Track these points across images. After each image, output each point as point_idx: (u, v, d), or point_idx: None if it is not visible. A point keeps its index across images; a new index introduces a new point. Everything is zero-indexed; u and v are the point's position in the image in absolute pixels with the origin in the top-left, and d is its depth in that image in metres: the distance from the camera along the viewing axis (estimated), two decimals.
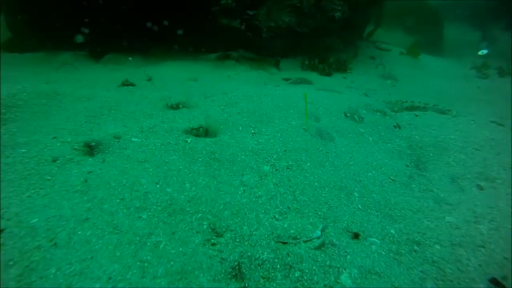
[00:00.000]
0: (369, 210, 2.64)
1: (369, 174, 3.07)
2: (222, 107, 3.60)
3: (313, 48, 6.16)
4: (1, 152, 2.73)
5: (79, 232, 2.03)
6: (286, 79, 5.36)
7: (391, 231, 2.47)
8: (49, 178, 2.52)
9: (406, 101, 4.93)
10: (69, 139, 2.96)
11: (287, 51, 6.00)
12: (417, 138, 4.01)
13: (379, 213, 2.64)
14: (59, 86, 3.66)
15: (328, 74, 5.93)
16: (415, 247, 2.34)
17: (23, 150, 2.80)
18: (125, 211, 2.20)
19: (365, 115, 4.23)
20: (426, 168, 3.59)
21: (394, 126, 4.25)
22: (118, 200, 2.27)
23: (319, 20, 6.01)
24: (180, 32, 5.73)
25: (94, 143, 2.84)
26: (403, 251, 2.30)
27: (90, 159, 2.76)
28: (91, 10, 5.47)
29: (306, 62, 5.97)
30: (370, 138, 3.82)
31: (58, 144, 2.90)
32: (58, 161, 2.70)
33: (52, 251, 1.90)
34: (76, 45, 5.49)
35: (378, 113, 4.46)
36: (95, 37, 5.66)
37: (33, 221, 2.09)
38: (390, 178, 3.11)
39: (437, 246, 2.37)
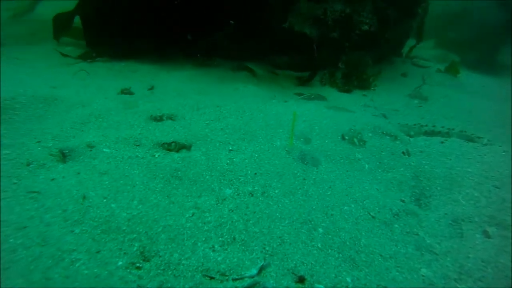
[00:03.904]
0: (329, 251, 2.36)
1: (345, 207, 2.77)
2: (207, 122, 3.52)
3: (336, 63, 5.84)
4: None
5: (11, 240, 2.06)
6: (299, 94, 5.13)
7: (347, 279, 2.18)
8: (15, 181, 2.62)
9: (426, 125, 4.42)
10: (51, 144, 3.08)
11: (306, 65, 5.76)
12: (427, 168, 3.55)
13: (340, 255, 2.34)
14: (61, 92, 3.85)
15: (348, 91, 5.57)
16: None
17: (7, 152, 2.96)
18: (62, 223, 2.20)
19: (369, 139, 3.87)
20: (428, 204, 3.18)
21: (403, 153, 3.82)
22: (60, 211, 2.28)
23: (344, 33, 5.69)
24: (199, 41, 5.80)
25: (67, 150, 2.92)
26: None
27: (61, 166, 2.83)
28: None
29: (326, 77, 5.68)
30: (366, 165, 3.47)
31: (39, 148, 3.02)
32: (31, 166, 2.81)
33: None
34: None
35: (387, 137, 4.05)
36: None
37: None
38: (370, 214, 2.77)
39: None
